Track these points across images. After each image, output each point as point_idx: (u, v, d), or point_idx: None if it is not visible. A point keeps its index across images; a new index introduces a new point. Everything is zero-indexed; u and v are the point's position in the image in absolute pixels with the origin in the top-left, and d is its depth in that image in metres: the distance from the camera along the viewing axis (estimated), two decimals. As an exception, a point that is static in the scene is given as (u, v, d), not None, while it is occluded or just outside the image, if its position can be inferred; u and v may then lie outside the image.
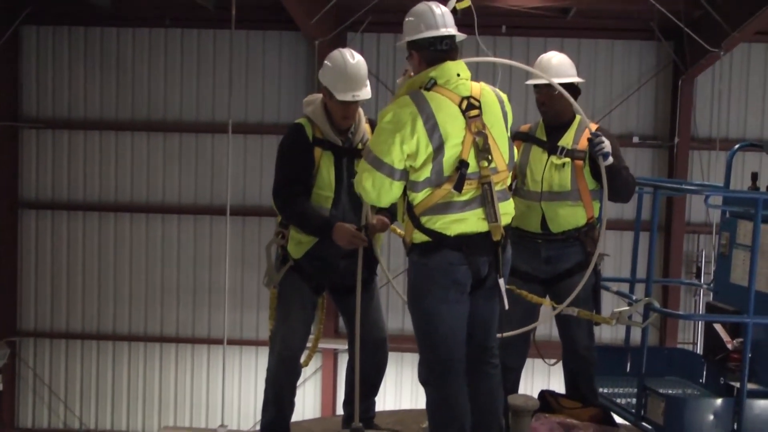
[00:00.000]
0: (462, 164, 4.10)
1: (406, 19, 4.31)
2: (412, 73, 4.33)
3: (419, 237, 4.18)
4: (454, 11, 4.48)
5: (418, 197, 4.14)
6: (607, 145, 5.07)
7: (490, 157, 4.17)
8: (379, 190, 4.16)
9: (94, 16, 14.32)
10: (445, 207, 4.13)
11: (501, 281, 4.26)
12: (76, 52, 14.62)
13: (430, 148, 4.07)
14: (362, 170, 4.20)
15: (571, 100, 5.11)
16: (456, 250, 4.14)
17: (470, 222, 4.15)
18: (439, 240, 4.14)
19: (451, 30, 4.25)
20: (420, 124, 4.06)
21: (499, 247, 4.21)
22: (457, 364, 4.28)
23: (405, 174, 4.14)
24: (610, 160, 5.09)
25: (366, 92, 4.75)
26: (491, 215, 4.16)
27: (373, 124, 4.92)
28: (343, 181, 4.81)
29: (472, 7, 4.74)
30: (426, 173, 4.10)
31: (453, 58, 4.25)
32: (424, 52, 4.24)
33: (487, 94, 4.28)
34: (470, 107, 4.16)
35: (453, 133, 4.11)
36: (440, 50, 4.23)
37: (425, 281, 4.20)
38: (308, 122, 4.84)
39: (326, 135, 4.81)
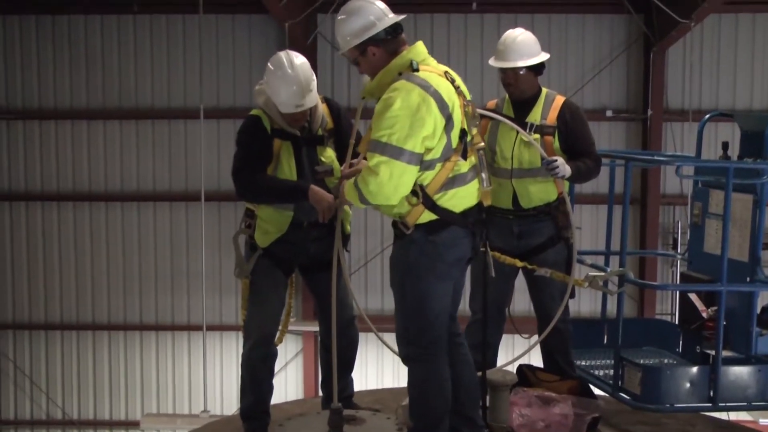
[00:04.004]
0: (463, 133, 4.17)
1: (350, 21, 4.16)
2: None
3: (427, 216, 4.12)
4: None
5: (430, 175, 4.09)
6: (560, 169, 5.08)
7: (478, 124, 4.29)
8: (398, 180, 3.97)
9: (61, 4, 14.19)
10: (453, 181, 4.14)
11: (488, 247, 4.38)
12: (44, 41, 14.47)
13: (443, 123, 4.06)
14: (376, 163, 3.97)
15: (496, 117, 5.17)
16: (462, 226, 4.17)
17: (473, 196, 4.22)
18: (447, 218, 4.13)
19: (393, 14, 4.21)
20: (432, 102, 4.01)
21: (486, 213, 4.32)
22: (444, 340, 4.30)
23: (421, 158, 4.05)
24: (568, 172, 5.13)
25: (310, 99, 4.63)
26: (485, 180, 4.27)
27: (330, 104, 4.90)
28: (304, 170, 4.74)
29: None
30: (440, 149, 4.08)
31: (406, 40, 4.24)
32: (386, 43, 4.16)
33: (451, 70, 4.33)
34: (452, 80, 4.21)
35: (455, 104, 4.13)
36: (399, 33, 4.19)
37: (428, 258, 4.15)
38: (264, 114, 4.75)
39: (283, 126, 4.73)
